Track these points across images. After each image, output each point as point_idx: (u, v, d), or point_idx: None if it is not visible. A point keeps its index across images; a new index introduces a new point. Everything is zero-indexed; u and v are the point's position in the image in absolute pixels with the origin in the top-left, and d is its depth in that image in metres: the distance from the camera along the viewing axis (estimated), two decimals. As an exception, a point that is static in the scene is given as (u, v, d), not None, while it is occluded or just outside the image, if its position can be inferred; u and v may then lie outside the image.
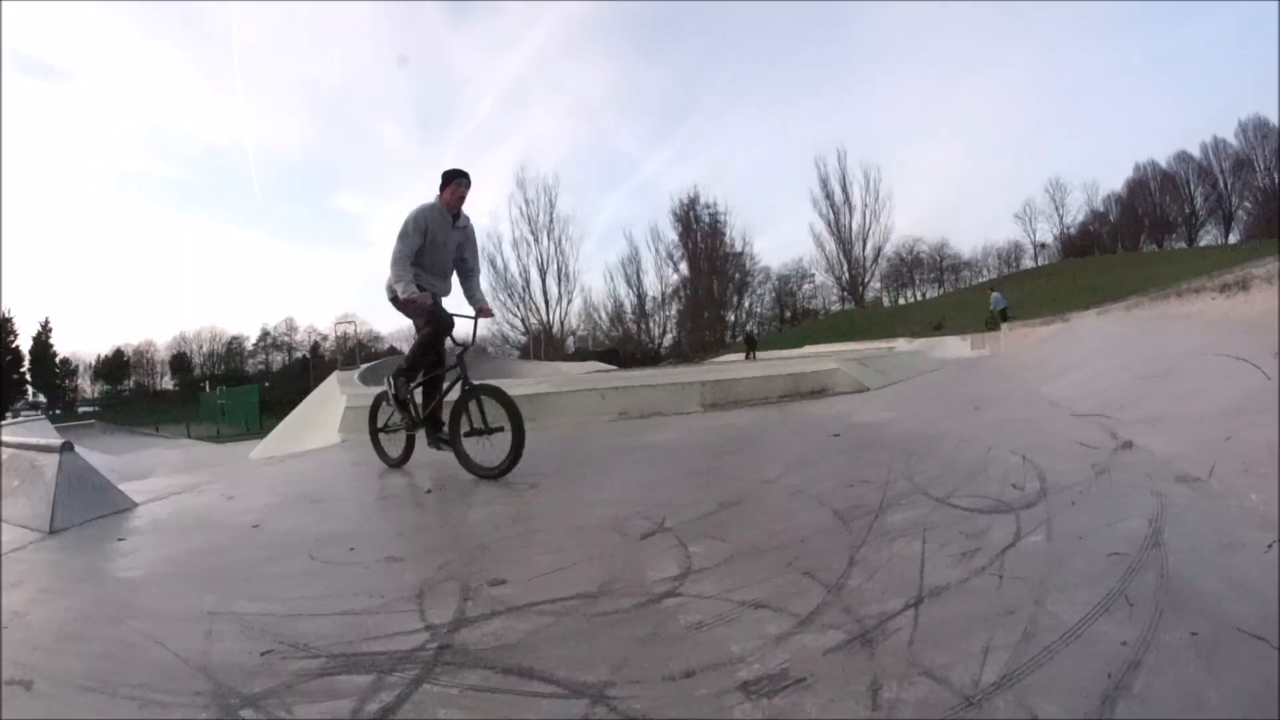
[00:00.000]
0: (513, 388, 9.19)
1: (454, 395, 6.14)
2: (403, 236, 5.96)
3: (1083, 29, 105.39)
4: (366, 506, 5.28)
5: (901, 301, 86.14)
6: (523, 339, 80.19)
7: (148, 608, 3.19)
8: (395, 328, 79.35)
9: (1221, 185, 77.37)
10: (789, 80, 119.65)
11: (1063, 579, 2.56)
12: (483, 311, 6.36)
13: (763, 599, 2.64)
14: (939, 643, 2.17)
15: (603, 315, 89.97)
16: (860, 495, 4.02)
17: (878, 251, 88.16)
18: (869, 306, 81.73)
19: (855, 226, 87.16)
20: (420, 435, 6.54)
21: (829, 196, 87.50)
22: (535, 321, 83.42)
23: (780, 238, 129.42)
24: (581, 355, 60.31)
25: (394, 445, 6.83)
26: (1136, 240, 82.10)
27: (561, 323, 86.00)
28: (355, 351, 66.20)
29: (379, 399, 6.91)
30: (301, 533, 4.38)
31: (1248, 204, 75.05)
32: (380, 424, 6.84)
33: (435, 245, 6.14)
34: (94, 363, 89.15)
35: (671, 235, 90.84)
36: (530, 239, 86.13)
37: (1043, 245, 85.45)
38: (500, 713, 2.00)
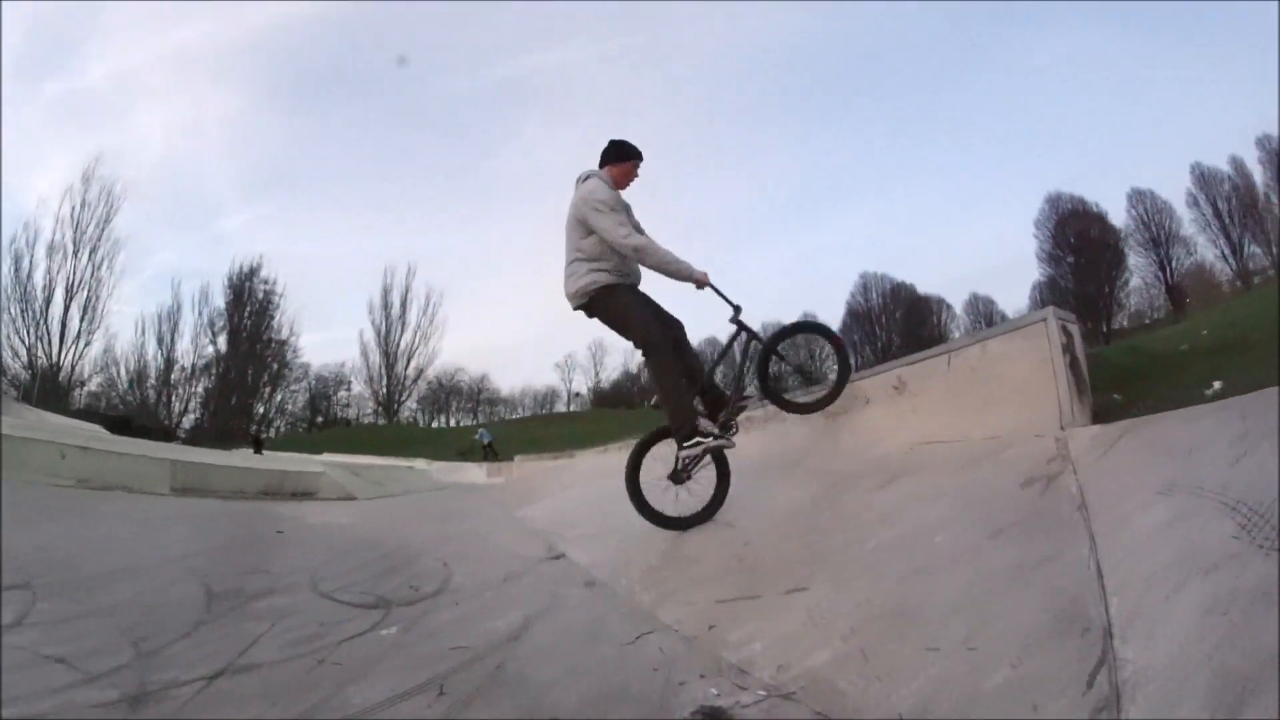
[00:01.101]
0: None
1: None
2: (613, 208, 4.68)
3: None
4: None
5: (435, 425, 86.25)
6: (24, 373, 61.70)
7: None
8: None
9: (739, 363, 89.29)
10: (388, 187, 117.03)
11: (387, 667, 2.52)
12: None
13: (66, 655, 2.54)
14: (206, 712, 2.15)
15: (122, 372, 71.75)
16: (250, 581, 3.86)
17: (420, 372, 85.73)
18: (403, 424, 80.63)
19: (404, 343, 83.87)
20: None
21: (387, 307, 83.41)
22: (44, 356, 63.26)
23: (328, 337, 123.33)
24: (89, 415, 44.79)
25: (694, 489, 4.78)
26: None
27: (73, 368, 65.79)
28: None
29: (638, 459, 4.80)
30: None
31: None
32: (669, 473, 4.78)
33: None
34: None
35: (220, 302, 77.63)
36: (70, 249, 65.06)
37: (577, 394, 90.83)
38: None
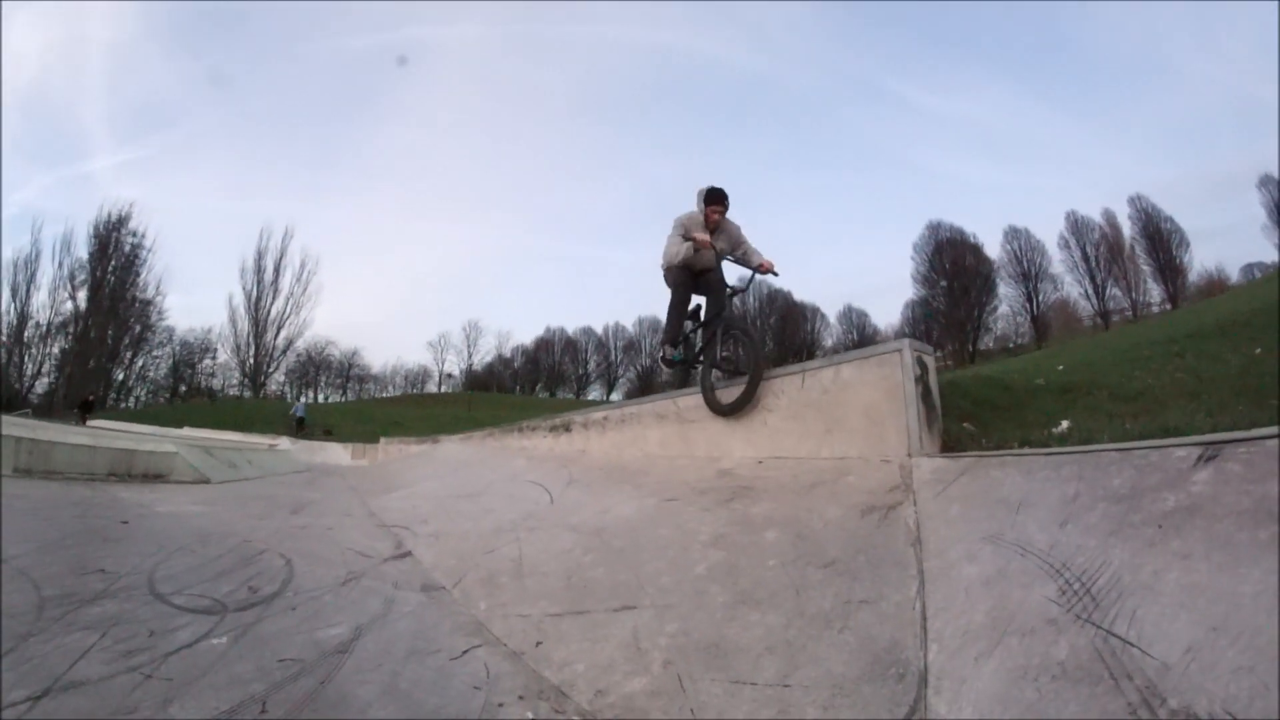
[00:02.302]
0: None
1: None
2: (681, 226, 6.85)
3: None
4: None
5: (303, 400, 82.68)
6: None
7: None
8: None
9: (614, 357, 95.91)
10: (270, 145, 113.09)
11: (214, 681, 2.54)
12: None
13: None
14: None
15: None
16: (85, 584, 3.70)
17: (290, 343, 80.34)
18: (268, 399, 76.43)
19: (275, 311, 78.29)
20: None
21: (260, 271, 77.71)
22: None
23: (195, 300, 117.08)
24: None
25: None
26: (534, 387, 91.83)
27: None
28: None
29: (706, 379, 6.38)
30: None
31: (629, 374, 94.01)
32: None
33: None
34: None
35: (83, 253, 69.38)
36: None
37: (449, 375, 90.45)
38: None
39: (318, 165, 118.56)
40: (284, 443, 28.82)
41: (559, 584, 3.61)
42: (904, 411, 4.24)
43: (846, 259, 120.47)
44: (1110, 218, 67.51)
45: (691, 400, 6.38)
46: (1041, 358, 9.47)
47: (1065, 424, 4.25)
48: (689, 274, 7.11)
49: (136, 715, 2.21)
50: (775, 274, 6.58)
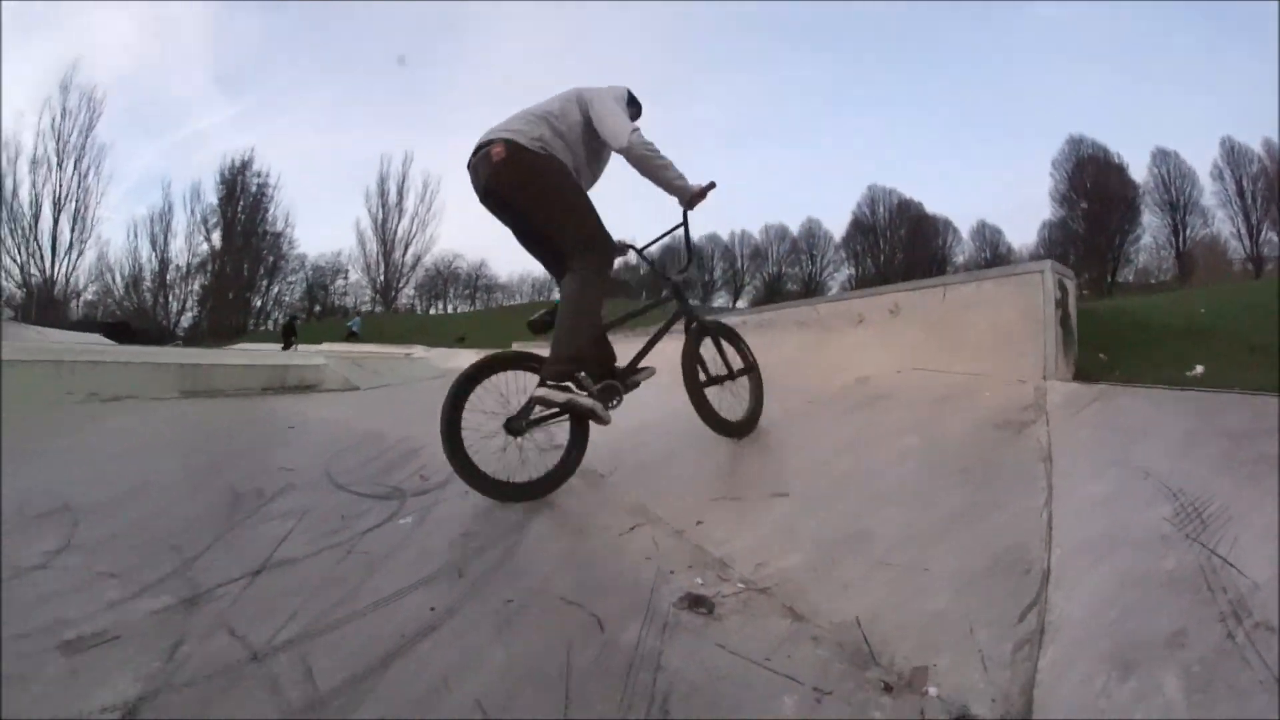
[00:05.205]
0: None
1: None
2: (623, 101, 4.03)
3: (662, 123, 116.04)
4: None
5: (433, 312, 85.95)
6: (19, 292, 61.38)
7: None
8: None
9: (740, 265, 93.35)
10: (374, 73, 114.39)
11: (408, 554, 2.82)
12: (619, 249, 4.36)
13: (117, 570, 2.75)
14: (258, 606, 2.38)
15: (118, 278, 71.99)
16: (271, 480, 4.06)
17: (418, 259, 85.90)
18: (401, 312, 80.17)
19: (401, 231, 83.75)
20: None
21: (383, 195, 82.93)
22: (37, 272, 63.28)
23: (324, 228, 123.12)
24: (87, 324, 44.92)
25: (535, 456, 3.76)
26: (659, 292, 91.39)
27: (68, 279, 66.21)
28: None
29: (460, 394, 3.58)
30: None
31: (756, 283, 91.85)
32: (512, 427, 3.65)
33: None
34: None
35: (213, 199, 76.68)
36: (54, 161, 64.38)
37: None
38: None
39: (433, 96, 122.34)
40: (418, 350, 29.81)
41: (710, 474, 3.76)
42: (1041, 334, 4.26)
43: (980, 172, 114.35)
44: (1271, 148, 56.87)
45: (832, 308, 6.39)
46: (1182, 298, 8.96)
47: (1199, 369, 4.09)
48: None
49: (347, 583, 2.48)
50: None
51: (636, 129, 3.80)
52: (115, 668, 1.99)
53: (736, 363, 4.58)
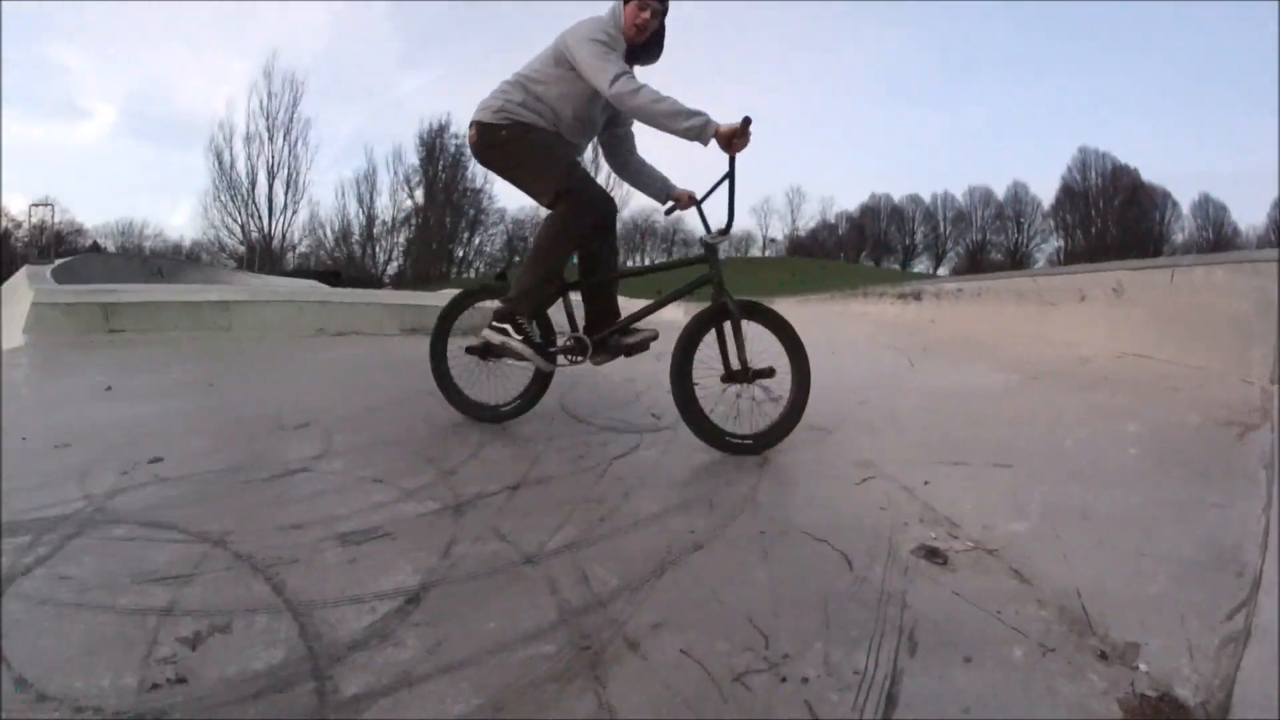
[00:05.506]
0: (206, 295, 8.50)
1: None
2: (611, 42, 3.67)
3: (858, 71, 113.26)
4: (43, 403, 4.87)
5: (631, 264, 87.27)
6: (240, 248, 72.94)
7: None
8: (104, 220, 70.55)
9: (942, 229, 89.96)
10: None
11: (657, 482, 3.03)
12: (682, 200, 4.13)
13: (380, 475, 3.08)
14: (522, 517, 2.60)
15: (328, 233, 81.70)
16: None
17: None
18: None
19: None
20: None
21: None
22: (256, 230, 74.33)
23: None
24: (301, 273, 53.28)
25: (496, 383, 4.19)
26: (858, 254, 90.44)
27: (284, 235, 77.09)
28: (51, 245, 58.29)
29: (452, 312, 4.39)
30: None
31: (959, 249, 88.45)
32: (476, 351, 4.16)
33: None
34: None
35: (414, 159, 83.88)
36: (265, 136, 74.62)
37: (773, 240, 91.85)
38: (133, 555, 2.28)
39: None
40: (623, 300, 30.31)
41: (935, 438, 3.73)
42: (1276, 332, 3.83)
43: (1203, 131, 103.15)
44: None
45: (1050, 281, 6.19)
46: None
47: None
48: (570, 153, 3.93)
49: (606, 503, 2.68)
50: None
51: (619, 76, 3.48)
52: (394, 559, 2.22)
53: (760, 363, 3.73)
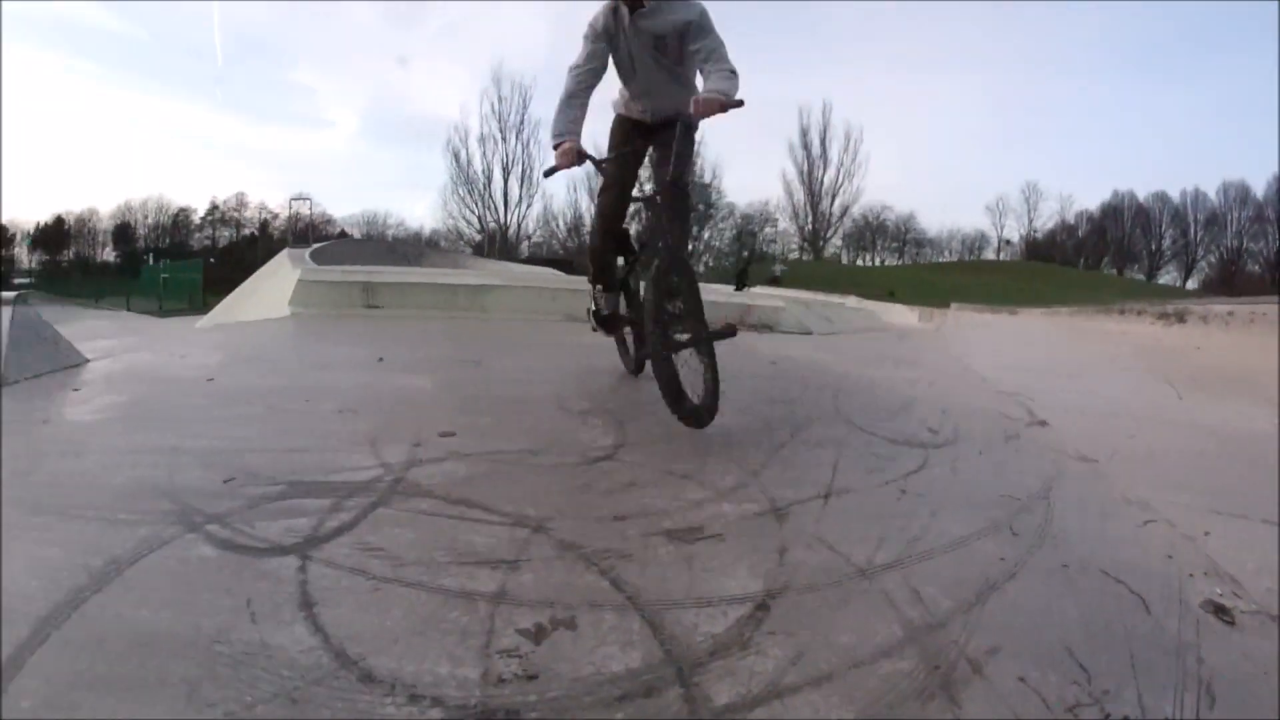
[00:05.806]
0: (461, 279, 9.29)
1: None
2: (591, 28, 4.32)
3: (1091, 49, 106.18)
4: (318, 367, 5.59)
5: (860, 263, 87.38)
6: (477, 237, 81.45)
7: (106, 444, 3.51)
8: (349, 212, 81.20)
9: (1192, 234, 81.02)
10: (779, 22, 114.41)
11: (957, 503, 3.05)
12: (702, 106, 4.06)
13: (686, 471, 3.16)
14: (841, 527, 2.67)
15: (560, 224, 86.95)
16: (788, 411, 4.56)
17: (845, 210, 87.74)
18: (827, 261, 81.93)
19: (827, 181, 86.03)
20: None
21: (806, 146, 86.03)
22: (492, 222, 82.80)
23: (749, 177, 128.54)
24: (534, 261, 58.02)
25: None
26: (1099, 261, 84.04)
27: (519, 226, 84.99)
28: (307, 232, 66.90)
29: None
30: (255, 386, 4.81)
31: (1211, 258, 79.64)
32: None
33: (620, 54, 4.38)
34: (32, 230, 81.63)
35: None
36: (498, 136, 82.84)
37: (1007, 242, 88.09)
38: (446, 532, 2.43)
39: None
40: (851, 300, 29.88)
41: (1213, 484, 3.61)
42: None
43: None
44: None
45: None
46: None
47: None
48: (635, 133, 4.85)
49: (916, 520, 2.78)
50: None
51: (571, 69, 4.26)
52: (731, 563, 2.29)
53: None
